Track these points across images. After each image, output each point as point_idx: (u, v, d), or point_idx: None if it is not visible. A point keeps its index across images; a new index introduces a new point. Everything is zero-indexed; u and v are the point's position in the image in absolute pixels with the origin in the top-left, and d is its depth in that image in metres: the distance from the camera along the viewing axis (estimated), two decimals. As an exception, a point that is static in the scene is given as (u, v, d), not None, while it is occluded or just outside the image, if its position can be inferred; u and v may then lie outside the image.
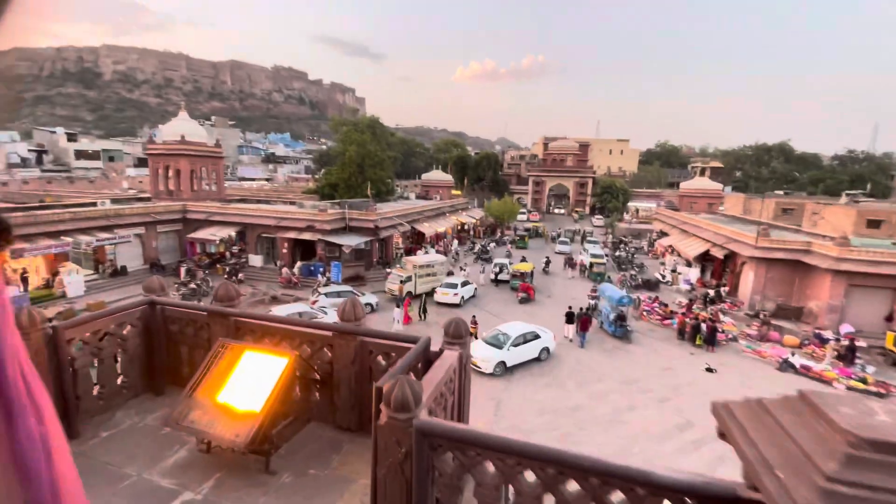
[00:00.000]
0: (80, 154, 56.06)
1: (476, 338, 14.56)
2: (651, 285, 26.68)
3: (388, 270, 24.67)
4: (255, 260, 28.10)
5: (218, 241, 27.39)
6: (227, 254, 28.13)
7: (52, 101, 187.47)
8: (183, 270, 24.95)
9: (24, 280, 21.79)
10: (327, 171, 43.65)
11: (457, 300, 20.87)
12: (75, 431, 2.58)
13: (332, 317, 17.29)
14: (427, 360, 2.57)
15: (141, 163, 59.48)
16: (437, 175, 50.69)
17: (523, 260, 27.70)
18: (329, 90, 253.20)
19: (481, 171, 62.74)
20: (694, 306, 21.68)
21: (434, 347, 2.59)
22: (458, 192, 52.95)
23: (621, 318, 17.76)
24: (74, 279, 22.24)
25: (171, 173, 31.66)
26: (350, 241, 26.48)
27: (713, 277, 27.84)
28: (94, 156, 56.74)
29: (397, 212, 31.41)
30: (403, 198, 45.17)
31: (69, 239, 22.57)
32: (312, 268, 25.63)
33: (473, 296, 22.36)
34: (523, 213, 53.60)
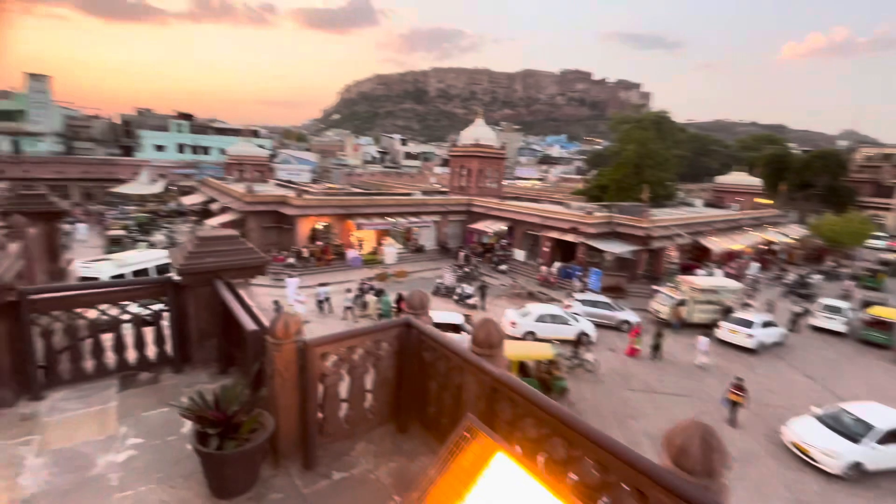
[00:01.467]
0: (407, 155, 72.82)
1: (739, 407, 10.48)
2: None
3: (657, 288, 21.32)
4: (519, 254, 29.48)
5: (491, 234, 30.08)
6: (497, 245, 30.57)
7: (395, 115, 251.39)
8: (462, 255, 28.54)
9: (361, 246, 29.40)
10: (599, 172, 41.78)
11: (751, 343, 15.76)
12: (312, 459, 2.22)
13: (583, 326, 16.06)
14: None
15: (445, 162, 72.43)
16: (737, 178, 41.03)
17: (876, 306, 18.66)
18: (612, 88, 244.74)
19: (810, 176, 47.10)
20: None
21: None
22: (768, 202, 41.30)
23: None
24: (390, 250, 28.61)
25: (464, 171, 36.80)
26: (614, 248, 24.29)
27: None
28: (416, 157, 72.63)
29: (676, 220, 26.90)
30: (686, 204, 38.60)
31: (391, 220, 29.11)
32: (570, 270, 24.84)
33: (779, 343, 16.59)
34: (880, 238, 37.63)
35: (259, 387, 2.17)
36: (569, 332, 15.75)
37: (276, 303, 22.56)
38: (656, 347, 14.85)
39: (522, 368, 11.45)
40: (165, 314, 2.97)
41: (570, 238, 25.41)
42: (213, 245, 2.86)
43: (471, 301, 20.54)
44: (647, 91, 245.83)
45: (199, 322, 2.96)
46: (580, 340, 15.55)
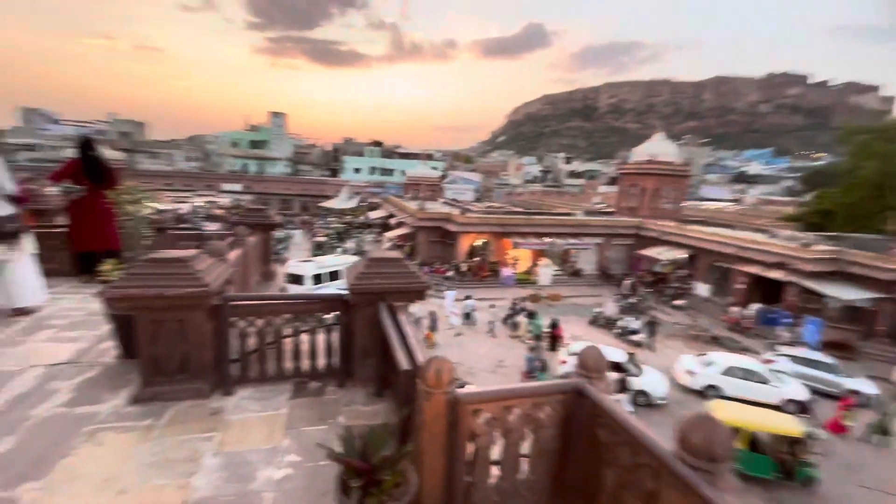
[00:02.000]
0: (570, 174, 70.49)
1: None
2: None
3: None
4: (702, 289, 25.20)
5: (665, 262, 26.50)
6: (672, 276, 26.77)
7: (560, 134, 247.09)
8: (627, 283, 25.83)
9: (516, 265, 29.18)
10: (821, 194, 33.17)
11: None
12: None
13: (792, 389, 12.58)
14: None
15: (611, 181, 67.73)
16: None
17: None
18: (838, 92, 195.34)
19: None
20: None
21: None
22: None
23: None
24: (546, 271, 27.69)
25: (635, 191, 33.57)
26: (843, 294, 18.68)
27: None
28: (579, 175, 69.78)
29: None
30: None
31: (549, 239, 28.22)
32: (774, 316, 20.01)
33: None
34: None
35: (407, 434, 1.96)
36: (769, 395, 12.58)
37: (432, 313, 23.79)
38: (883, 431, 10.91)
39: (753, 442, 9.29)
40: (336, 329, 3.06)
41: (775, 275, 20.60)
42: (381, 267, 2.84)
43: (636, 337, 18.26)
44: (891, 95, 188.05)
45: (363, 340, 2.98)
46: (786, 408, 12.26)
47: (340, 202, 47.17)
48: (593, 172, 71.26)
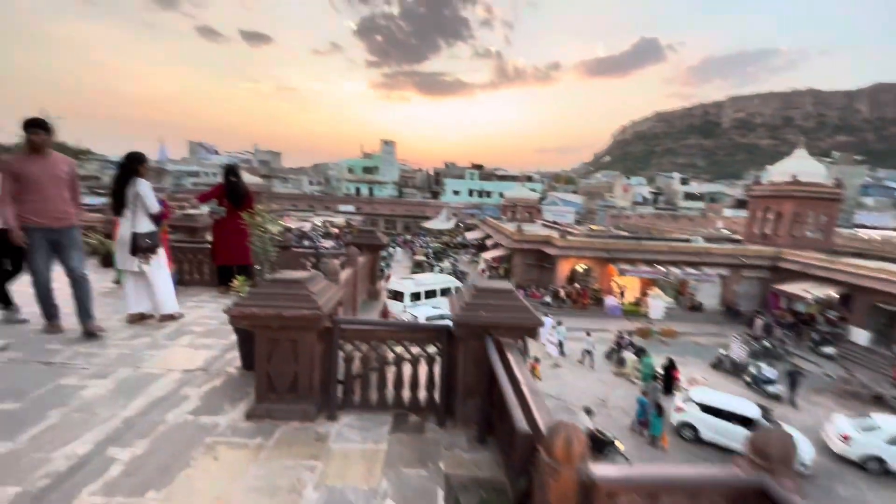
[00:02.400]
0: (687, 196, 64.19)
1: None
2: None
3: None
4: (859, 336, 20.72)
5: (810, 300, 22.38)
6: (819, 318, 22.48)
7: (675, 153, 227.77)
8: (759, 323, 22.29)
9: (622, 294, 26.96)
10: None
11: None
12: None
13: None
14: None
15: (739, 204, 60.05)
16: None
17: None
18: None
19: None
20: None
21: None
22: None
23: None
24: (657, 303, 25.12)
25: (770, 216, 29.25)
26: None
27: None
28: (698, 197, 63.18)
29: None
30: None
31: (662, 268, 25.66)
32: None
33: None
34: None
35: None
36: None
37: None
38: None
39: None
40: (438, 360, 2.90)
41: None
42: (489, 297, 2.61)
43: (772, 389, 15.55)
44: None
45: (466, 377, 2.75)
46: None
47: (439, 223, 48.71)
48: (715, 194, 64.03)
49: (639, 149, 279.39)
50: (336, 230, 46.41)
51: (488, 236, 38.21)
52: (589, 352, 18.04)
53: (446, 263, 35.47)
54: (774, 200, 28.97)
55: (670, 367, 15.61)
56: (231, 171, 6.09)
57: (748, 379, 16.80)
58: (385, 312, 11.70)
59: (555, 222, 41.13)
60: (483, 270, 34.03)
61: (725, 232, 40.68)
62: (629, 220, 54.88)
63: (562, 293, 26.18)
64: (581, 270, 27.69)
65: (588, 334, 19.48)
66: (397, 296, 22.07)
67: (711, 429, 12.06)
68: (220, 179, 6.13)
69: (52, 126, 3.90)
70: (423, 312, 20.75)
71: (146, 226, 4.59)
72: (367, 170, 63.79)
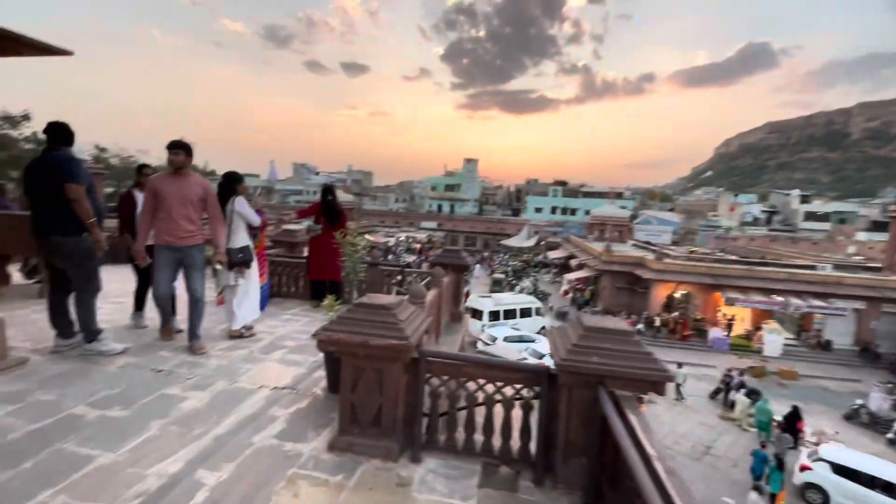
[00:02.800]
0: (809, 215, 56.06)
1: None
2: None
3: None
4: None
5: None
6: None
7: (791, 167, 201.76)
8: (909, 371, 18.37)
9: (729, 326, 23.92)
10: None
11: None
12: None
13: None
14: None
15: (875, 227, 51.01)
16: None
17: None
18: None
19: None
20: None
21: None
22: None
23: None
24: (774, 339, 21.88)
25: (922, 241, 24.34)
26: None
27: None
28: (822, 217, 54.88)
29: None
30: None
31: (780, 299, 22.37)
32: None
33: None
34: None
35: None
36: None
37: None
38: None
39: None
40: (536, 407, 2.52)
41: None
42: (601, 340, 2.19)
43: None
44: None
45: (570, 432, 2.34)
46: None
47: (519, 240, 47.78)
48: (844, 214, 55.16)
49: (747, 163, 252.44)
50: (418, 245, 47.70)
51: (572, 256, 36.54)
52: (679, 385, 16.24)
53: (526, 282, 34.49)
54: (931, 223, 24.09)
55: (794, 417, 13.31)
56: (328, 190, 6.36)
57: (892, 436, 13.87)
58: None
59: (648, 242, 38.17)
60: (566, 292, 32.49)
61: (858, 258, 34.56)
62: (736, 242, 49.20)
63: (657, 321, 23.96)
64: (680, 297, 25.18)
65: (679, 366, 17.68)
66: (476, 314, 21.74)
67: (847, 495, 10.02)
68: (318, 198, 6.44)
69: (192, 148, 4.14)
70: (502, 333, 20.18)
71: (241, 241, 4.83)
72: (450, 187, 65.07)
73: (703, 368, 20.14)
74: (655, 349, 15.52)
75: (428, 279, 5.54)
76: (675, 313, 24.74)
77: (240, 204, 4.85)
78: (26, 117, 26.00)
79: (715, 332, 23.31)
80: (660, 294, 25.24)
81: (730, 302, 23.35)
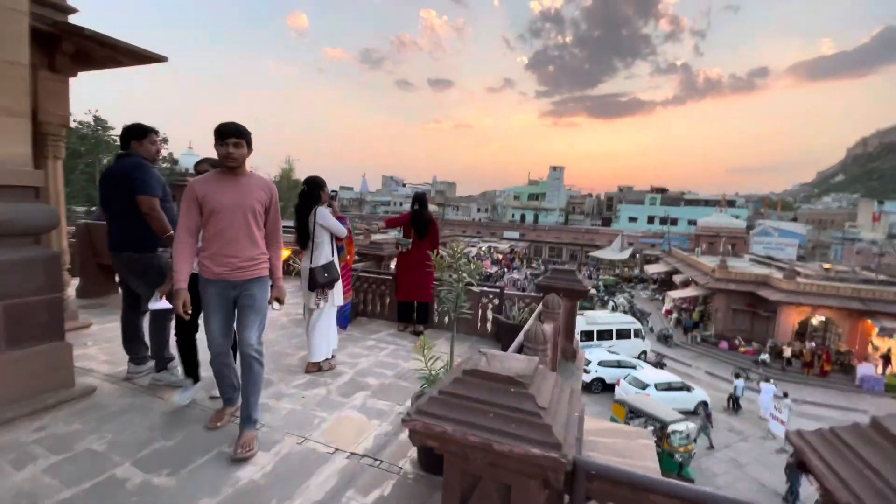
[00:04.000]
0: None
1: None
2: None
3: None
4: None
5: None
6: None
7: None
8: None
9: (886, 360, 19.40)
10: None
11: None
12: None
13: None
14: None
15: None
16: None
17: None
18: None
19: None
20: None
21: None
22: None
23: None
24: (955, 384, 17.17)
25: None
26: None
27: None
28: None
29: None
30: None
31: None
32: None
33: None
34: None
35: None
36: None
37: (734, 400, 18.40)
38: None
39: None
40: None
41: None
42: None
43: None
44: None
45: None
46: None
47: (611, 252, 44.30)
48: None
49: (888, 164, 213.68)
50: (500, 256, 46.41)
51: (676, 271, 32.76)
52: (776, 418, 13.36)
53: (620, 299, 31.52)
54: None
55: None
56: (418, 199, 5.65)
57: None
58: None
59: (770, 257, 33.00)
60: (668, 311, 29.07)
61: None
62: (884, 258, 40.77)
63: (787, 352, 20.19)
64: (817, 324, 21.05)
65: (785, 395, 14.80)
66: (567, 334, 19.96)
67: None
68: (408, 208, 5.75)
69: (250, 134, 2.75)
70: (596, 356, 18.25)
71: (324, 257, 4.17)
72: (533, 196, 62.95)
73: (851, 413, 16.33)
74: (785, 384, 12.67)
75: (539, 309, 4.45)
76: (812, 343, 20.68)
77: (322, 216, 4.21)
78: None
79: (865, 369, 19.03)
80: (790, 319, 21.30)
81: (885, 333, 18.93)
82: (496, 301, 5.63)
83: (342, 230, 4.37)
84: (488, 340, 5.58)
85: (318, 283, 4.05)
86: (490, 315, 5.74)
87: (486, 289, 5.76)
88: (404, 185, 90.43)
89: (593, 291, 31.87)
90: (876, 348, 19.80)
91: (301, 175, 43.87)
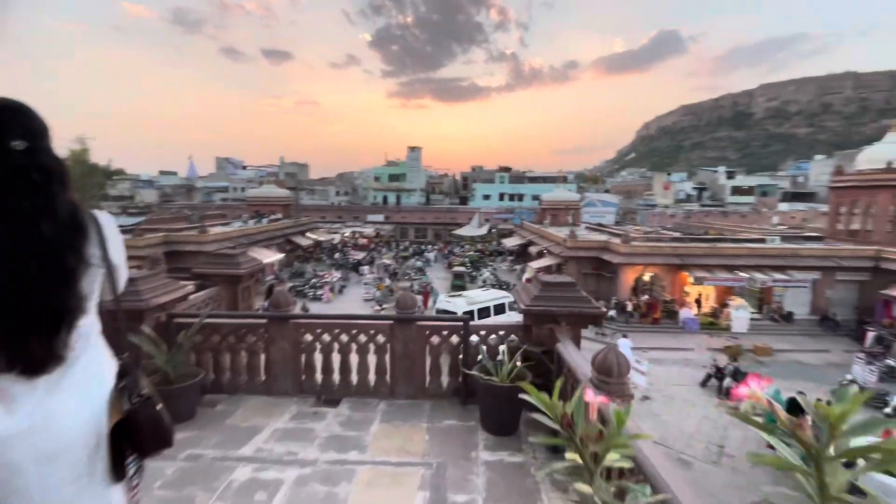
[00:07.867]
0: (735, 190, 59.91)
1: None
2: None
3: None
4: None
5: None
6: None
7: (704, 146, 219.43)
8: (871, 336, 18.95)
9: (698, 304, 23.86)
10: None
11: None
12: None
13: None
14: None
15: (792, 197, 55.60)
16: None
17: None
18: None
19: None
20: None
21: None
22: None
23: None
24: (741, 315, 21.96)
25: (857, 210, 25.79)
26: None
27: None
28: (747, 191, 58.85)
29: None
30: None
31: (744, 274, 22.50)
32: None
33: None
34: None
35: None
36: None
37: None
38: None
39: None
40: None
41: None
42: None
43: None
44: None
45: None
46: None
47: (471, 230, 46.22)
48: (766, 187, 59.60)
49: (665, 144, 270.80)
50: (365, 240, 44.50)
51: (531, 242, 35.50)
52: (637, 369, 15.42)
53: (486, 273, 32.92)
54: (865, 191, 25.53)
55: (797, 409, 12.66)
56: None
57: (890, 411, 13.69)
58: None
59: (600, 224, 38.14)
60: (529, 280, 31.34)
61: (782, 227, 36.79)
62: (674, 218, 51.20)
63: (629, 306, 23.30)
64: (647, 280, 24.75)
65: (639, 349, 17.16)
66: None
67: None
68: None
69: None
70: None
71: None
72: (394, 177, 61.95)
73: (681, 353, 19.61)
74: (632, 334, 13.66)
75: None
76: (645, 296, 24.27)
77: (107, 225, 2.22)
78: None
79: (685, 313, 23.08)
80: (628, 278, 24.66)
81: (698, 281, 23.19)
82: (456, 338, 3.86)
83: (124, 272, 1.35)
84: (449, 403, 3.80)
85: None
86: (448, 361, 3.99)
87: (439, 322, 4.02)
88: (244, 168, 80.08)
89: (464, 269, 32.52)
90: (688, 294, 24.24)
91: (99, 158, 34.49)
